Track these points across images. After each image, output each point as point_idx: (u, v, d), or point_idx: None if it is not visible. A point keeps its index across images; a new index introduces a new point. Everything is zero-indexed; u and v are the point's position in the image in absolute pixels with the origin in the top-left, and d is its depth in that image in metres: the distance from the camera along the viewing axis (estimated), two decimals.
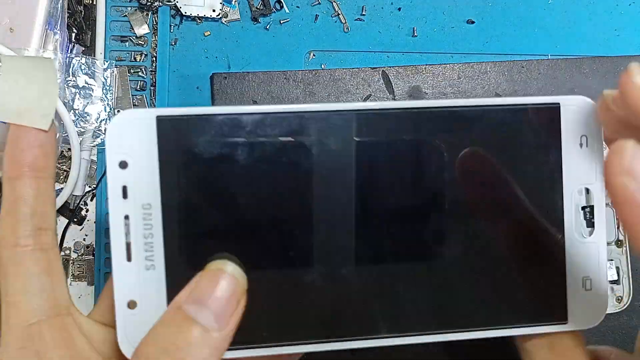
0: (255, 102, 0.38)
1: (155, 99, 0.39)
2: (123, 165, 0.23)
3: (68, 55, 0.39)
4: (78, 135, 0.38)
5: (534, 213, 0.25)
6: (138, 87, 0.39)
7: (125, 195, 0.23)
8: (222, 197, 0.23)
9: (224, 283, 0.22)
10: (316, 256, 0.24)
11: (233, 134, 0.23)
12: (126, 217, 0.23)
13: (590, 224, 0.25)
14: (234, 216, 0.24)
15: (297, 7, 0.39)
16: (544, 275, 0.25)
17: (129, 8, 0.39)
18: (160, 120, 0.23)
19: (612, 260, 0.36)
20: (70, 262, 0.40)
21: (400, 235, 0.24)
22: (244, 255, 0.23)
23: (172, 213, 0.23)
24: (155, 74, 0.39)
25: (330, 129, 0.23)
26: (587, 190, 0.24)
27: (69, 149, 0.39)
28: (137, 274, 0.23)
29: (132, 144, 0.23)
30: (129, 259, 0.23)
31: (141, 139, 0.23)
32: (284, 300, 0.24)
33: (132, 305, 0.23)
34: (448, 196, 0.24)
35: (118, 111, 0.39)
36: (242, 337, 0.22)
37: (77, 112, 0.39)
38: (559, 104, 0.24)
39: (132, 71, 0.39)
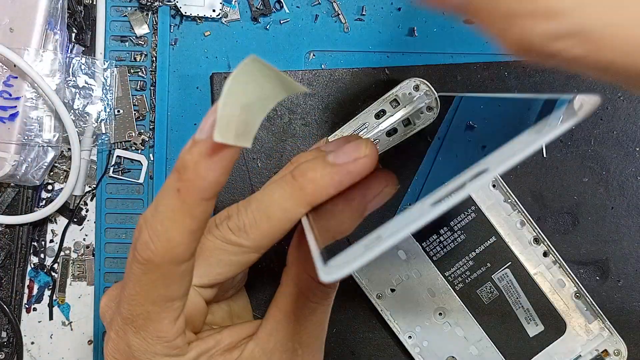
0: None
1: (155, 99, 0.39)
2: None
3: (68, 55, 0.39)
4: (78, 135, 0.38)
5: None
6: (138, 87, 0.39)
7: None
8: None
9: None
10: None
11: None
12: None
13: None
14: None
15: (297, 7, 0.39)
16: None
17: (129, 8, 0.39)
18: None
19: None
20: (70, 262, 0.40)
21: None
22: None
23: None
24: (155, 74, 0.39)
25: None
26: None
27: (69, 149, 0.39)
28: None
29: None
30: None
31: None
32: None
33: None
34: None
35: (118, 111, 0.39)
36: None
37: (77, 112, 0.39)
38: None
39: (132, 71, 0.39)
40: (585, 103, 0.16)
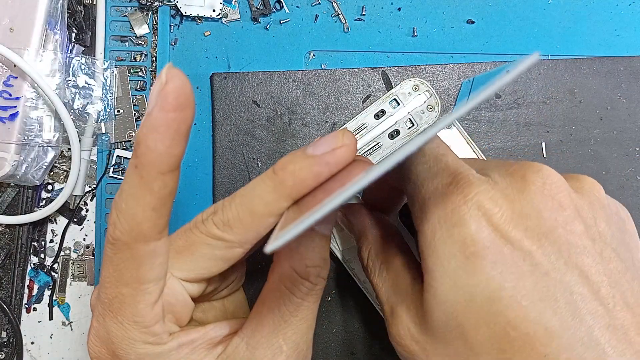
0: (255, 102, 0.38)
1: None
2: None
3: (68, 55, 0.39)
4: (78, 135, 0.38)
5: None
6: (138, 87, 0.39)
7: None
8: None
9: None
10: None
11: None
12: None
13: None
14: None
15: (297, 7, 0.39)
16: None
17: (129, 8, 0.39)
18: None
19: None
20: (70, 262, 0.40)
21: None
22: None
23: None
24: (155, 74, 0.39)
25: None
26: None
27: (69, 149, 0.39)
28: None
29: None
30: None
31: None
32: None
33: None
34: None
35: (118, 111, 0.39)
36: None
37: (77, 112, 0.39)
38: None
39: (132, 71, 0.39)
40: (526, 61, 0.18)
